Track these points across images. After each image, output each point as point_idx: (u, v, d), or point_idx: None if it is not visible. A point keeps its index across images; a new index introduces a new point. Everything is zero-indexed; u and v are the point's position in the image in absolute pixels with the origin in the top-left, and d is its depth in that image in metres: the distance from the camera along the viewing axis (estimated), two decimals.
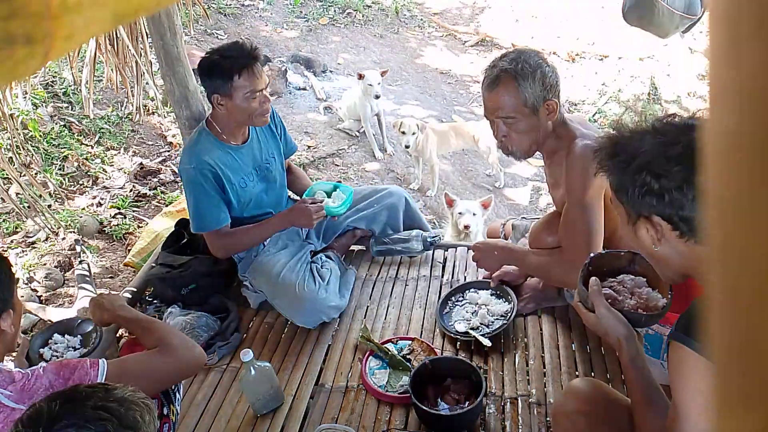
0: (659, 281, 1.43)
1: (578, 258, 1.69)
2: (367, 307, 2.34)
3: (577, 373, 1.96)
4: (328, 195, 2.37)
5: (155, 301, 2.40)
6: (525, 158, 1.89)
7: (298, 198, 2.54)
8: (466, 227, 2.91)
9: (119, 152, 4.00)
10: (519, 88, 1.69)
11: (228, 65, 2.02)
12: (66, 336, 1.86)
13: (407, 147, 4.01)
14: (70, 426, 0.96)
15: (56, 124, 3.96)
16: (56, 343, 1.83)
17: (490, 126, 1.84)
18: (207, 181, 2.12)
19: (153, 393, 1.47)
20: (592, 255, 1.50)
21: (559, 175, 1.84)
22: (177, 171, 2.34)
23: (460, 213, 2.96)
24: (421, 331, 2.20)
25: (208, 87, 2.09)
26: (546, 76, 1.69)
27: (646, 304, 1.40)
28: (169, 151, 4.12)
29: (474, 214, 2.95)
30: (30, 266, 2.99)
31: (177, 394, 1.58)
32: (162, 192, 3.70)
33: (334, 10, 6.59)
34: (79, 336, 1.88)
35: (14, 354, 1.77)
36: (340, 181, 2.31)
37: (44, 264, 3.03)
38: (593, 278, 1.40)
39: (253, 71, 2.05)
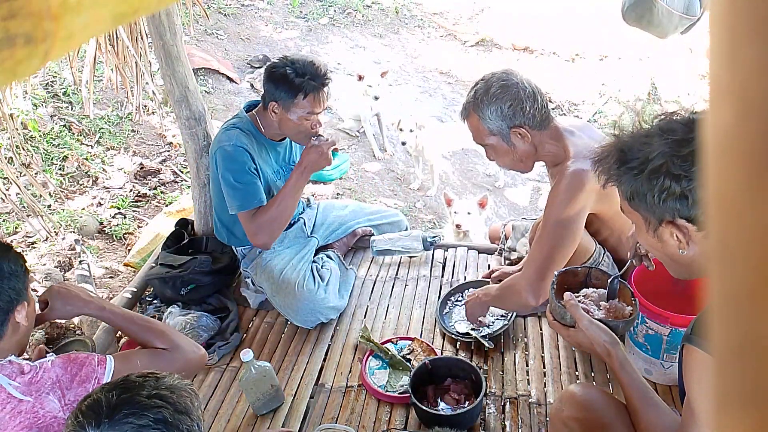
0: (620, 291, 1.49)
1: (531, 272, 1.72)
2: (367, 307, 2.34)
3: (577, 373, 1.96)
4: None
5: (155, 301, 2.41)
6: (524, 172, 1.93)
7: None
8: (458, 226, 2.93)
9: (119, 152, 4.00)
10: (481, 121, 1.75)
11: (298, 83, 2.02)
12: None
13: (404, 143, 4.04)
14: (130, 415, 1.00)
15: (56, 124, 3.96)
16: None
17: None
18: (246, 160, 2.11)
19: None
20: (556, 273, 1.53)
21: None
22: (209, 154, 2.30)
23: (455, 212, 2.97)
24: (421, 331, 2.20)
25: (269, 92, 2.09)
26: (504, 106, 1.71)
27: (614, 313, 1.44)
28: (169, 151, 4.11)
29: (469, 213, 2.95)
30: (30, 266, 2.99)
31: None
32: (162, 192, 3.70)
33: (334, 10, 6.59)
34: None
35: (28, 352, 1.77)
36: (336, 150, 2.28)
37: (44, 264, 3.03)
38: (567, 293, 1.42)
39: (318, 95, 2.06)
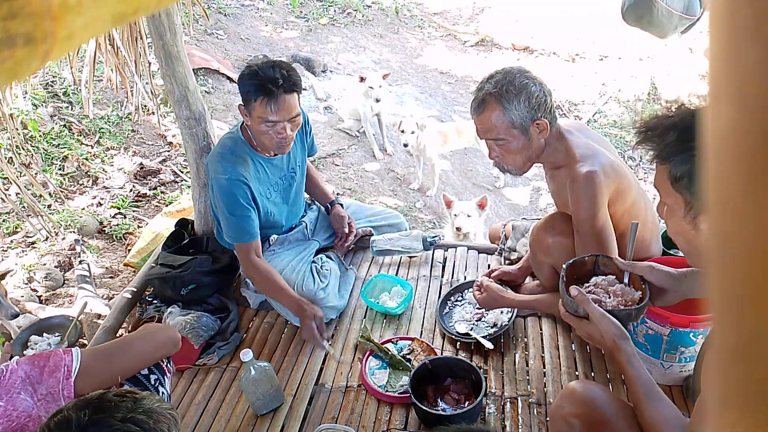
0: (630, 277, 1.47)
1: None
2: (367, 307, 2.34)
3: (577, 373, 1.96)
4: (389, 289, 2.35)
5: (155, 301, 2.40)
6: (521, 174, 1.88)
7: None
8: (458, 229, 2.94)
9: (119, 152, 4.00)
10: (505, 111, 1.69)
11: (252, 86, 1.91)
12: (45, 335, 1.87)
13: (405, 146, 4.04)
14: None
15: (56, 124, 3.96)
16: (36, 344, 1.84)
17: (486, 145, 1.84)
18: (241, 193, 2.06)
19: (131, 373, 1.46)
20: (564, 265, 1.51)
21: (563, 192, 1.84)
22: (193, 173, 2.27)
23: (455, 215, 2.97)
24: (421, 331, 2.20)
25: (240, 94, 2.03)
26: (532, 96, 1.68)
27: (624, 300, 1.43)
28: (169, 151, 4.11)
29: (469, 216, 2.95)
30: (30, 266, 2.99)
31: (162, 387, 1.57)
32: (162, 192, 3.70)
33: (334, 10, 6.59)
34: (56, 334, 1.88)
35: None
36: (397, 274, 2.31)
37: (44, 264, 3.03)
38: (573, 286, 1.42)
39: (273, 101, 1.90)
